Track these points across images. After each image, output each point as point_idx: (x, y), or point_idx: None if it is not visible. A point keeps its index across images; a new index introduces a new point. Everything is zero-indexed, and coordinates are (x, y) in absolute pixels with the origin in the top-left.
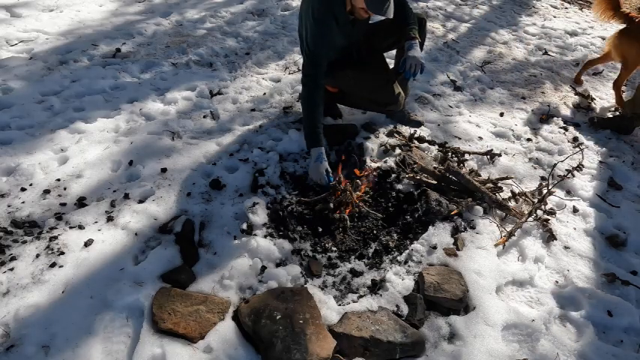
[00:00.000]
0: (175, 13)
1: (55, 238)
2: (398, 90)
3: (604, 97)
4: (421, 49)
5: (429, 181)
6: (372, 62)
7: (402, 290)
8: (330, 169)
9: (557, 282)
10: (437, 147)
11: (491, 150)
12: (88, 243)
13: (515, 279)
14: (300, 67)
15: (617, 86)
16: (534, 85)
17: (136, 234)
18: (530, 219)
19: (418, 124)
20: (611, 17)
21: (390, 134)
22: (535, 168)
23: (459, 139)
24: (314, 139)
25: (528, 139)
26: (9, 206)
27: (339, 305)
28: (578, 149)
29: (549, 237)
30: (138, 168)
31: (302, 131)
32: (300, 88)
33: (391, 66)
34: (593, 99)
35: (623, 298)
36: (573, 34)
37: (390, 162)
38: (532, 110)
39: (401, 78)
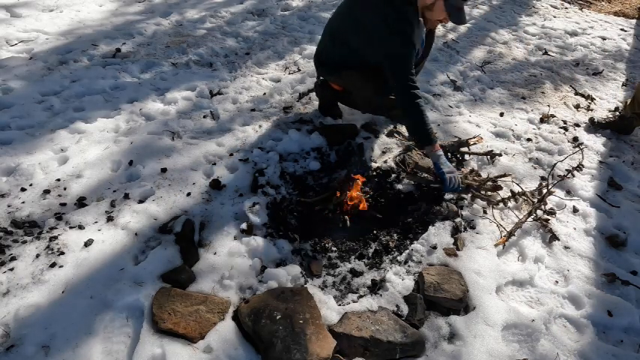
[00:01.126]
0: (175, 13)
1: (55, 238)
2: None
3: (604, 97)
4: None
5: (428, 178)
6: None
7: (402, 290)
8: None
9: (557, 282)
10: None
11: (492, 150)
12: (88, 243)
13: (515, 279)
14: (300, 67)
15: None
16: (534, 85)
17: (136, 234)
18: (530, 219)
19: None
20: None
21: (390, 134)
22: (535, 168)
23: (459, 139)
24: (432, 135)
25: (528, 139)
26: (9, 206)
27: (339, 305)
28: (578, 149)
29: (551, 237)
30: (138, 168)
31: (409, 132)
32: (299, 87)
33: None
34: (593, 99)
35: (623, 298)
36: (573, 34)
37: (390, 162)
38: (532, 110)
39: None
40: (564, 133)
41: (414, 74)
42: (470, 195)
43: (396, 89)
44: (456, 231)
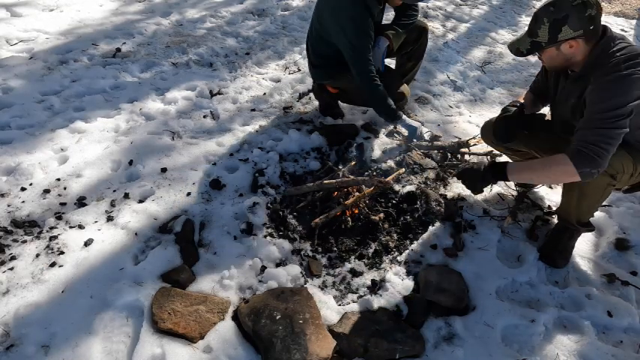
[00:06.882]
0: (175, 13)
1: (55, 237)
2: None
3: None
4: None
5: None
6: None
7: (402, 290)
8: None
9: (557, 282)
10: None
11: (492, 150)
12: (87, 243)
13: (515, 279)
14: (300, 67)
15: None
16: None
17: (135, 234)
18: (530, 219)
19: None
20: None
21: (390, 134)
22: None
23: (459, 139)
24: (396, 111)
25: None
26: (9, 206)
27: (339, 305)
28: None
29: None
30: (138, 168)
31: (380, 113)
32: (299, 87)
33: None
34: None
35: (623, 299)
36: None
37: (390, 162)
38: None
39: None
40: None
41: (368, 61)
42: (440, 152)
43: (355, 78)
44: (456, 231)
